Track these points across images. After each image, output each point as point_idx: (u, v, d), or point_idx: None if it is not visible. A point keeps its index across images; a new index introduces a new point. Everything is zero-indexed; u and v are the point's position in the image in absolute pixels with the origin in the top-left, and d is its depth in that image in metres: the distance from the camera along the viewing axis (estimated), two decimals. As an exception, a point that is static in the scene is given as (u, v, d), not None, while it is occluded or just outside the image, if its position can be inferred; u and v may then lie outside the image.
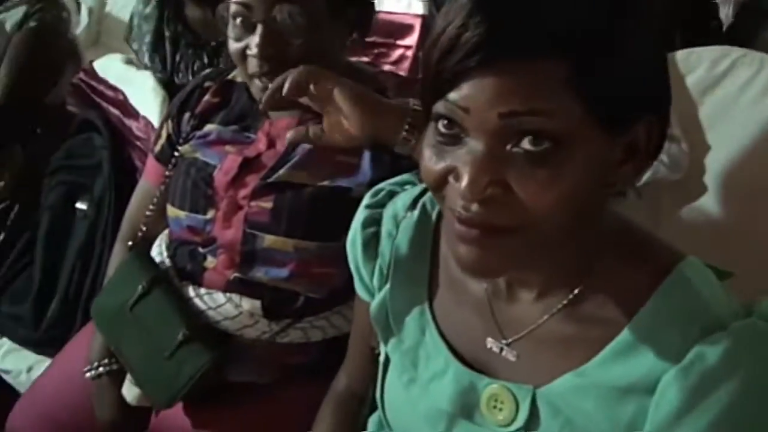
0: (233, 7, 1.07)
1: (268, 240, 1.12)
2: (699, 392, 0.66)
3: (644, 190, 1.18)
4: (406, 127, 0.92)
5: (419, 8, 2.05)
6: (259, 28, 1.06)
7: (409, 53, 2.04)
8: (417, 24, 2.04)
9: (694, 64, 1.49)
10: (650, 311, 0.69)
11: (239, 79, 1.24)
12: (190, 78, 1.85)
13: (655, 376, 0.68)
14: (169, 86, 1.78)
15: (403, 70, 2.06)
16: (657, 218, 1.38)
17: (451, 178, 0.65)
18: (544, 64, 0.59)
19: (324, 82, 0.94)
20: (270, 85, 0.97)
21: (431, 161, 0.66)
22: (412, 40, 2.05)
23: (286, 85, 0.94)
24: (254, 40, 1.06)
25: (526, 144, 0.61)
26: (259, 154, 1.16)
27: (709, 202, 1.40)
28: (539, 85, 0.59)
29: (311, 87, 0.94)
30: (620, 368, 0.70)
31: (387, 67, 2.09)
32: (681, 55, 1.52)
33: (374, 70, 1.28)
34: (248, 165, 1.16)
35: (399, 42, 2.07)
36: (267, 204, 1.12)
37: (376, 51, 2.11)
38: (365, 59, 2.12)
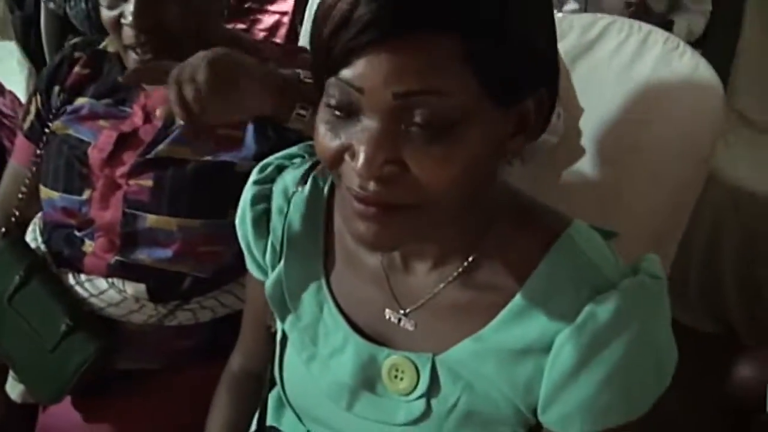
0: None
1: (150, 220, 1.07)
2: (592, 349, 0.69)
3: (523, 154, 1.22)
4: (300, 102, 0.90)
5: (295, -28, 2.01)
6: None
7: (285, 20, 2.00)
8: (294, -12, 2.00)
9: (566, 31, 1.53)
10: (542, 275, 0.72)
11: (111, 49, 1.18)
12: (83, 6, 1.81)
13: (549, 336, 0.70)
14: (60, 20, 1.84)
15: (279, 37, 2.02)
16: (536, 181, 1.42)
17: (347, 156, 0.63)
18: (437, 41, 0.58)
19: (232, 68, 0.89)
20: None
21: (326, 138, 0.64)
22: (287, 5, 2.01)
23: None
24: (128, 8, 1.00)
25: (420, 121, 0.60)
26: (136, 129, 1.11)
27: (584, 163, 1.46)
28: (433, 63, 0.58)
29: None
30: (516, 331, 0.72)
31: (261, 35, 2.05)
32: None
33: (256, 41, 1.24)
34: (125, 141, 1.10)
35: (273, 8, 2.03)
36: (147, 182, 1.07)
37: (250, 17, 2.06)
38: (240, 26, 2.06)
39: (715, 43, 2.00)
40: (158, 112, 0.93)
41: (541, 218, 0.76)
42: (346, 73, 0.60)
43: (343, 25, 0.59)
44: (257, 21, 2.03)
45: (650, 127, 1.41)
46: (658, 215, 1.36)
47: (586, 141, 1.45)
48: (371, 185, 0.62)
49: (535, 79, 0.66)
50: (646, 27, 1.49)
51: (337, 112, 0.63)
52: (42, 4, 2.01)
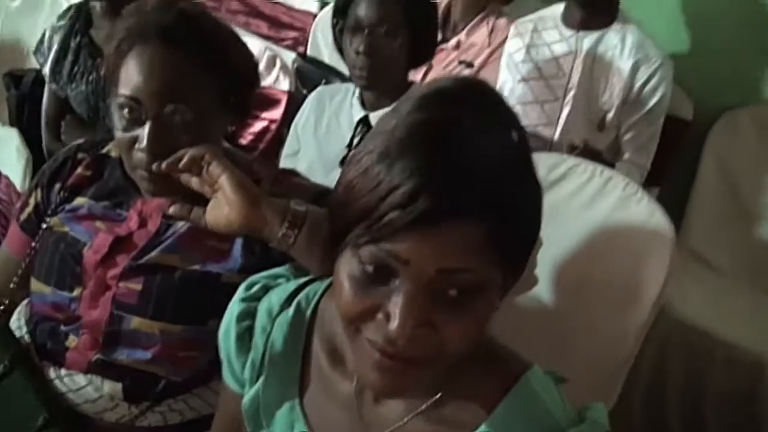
0: (121, 99, 1.07)
1: (135, 322, 1.11)
2: None
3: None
4: (287, 224, 0.95)
5: (286, 84, 2.12)
6: (149, 125, 1.06)
7: (273, 127, 2.10)
8: (284, 99, 2.11)
9: (534, 168, 1.65)
10: (500, 415, 0.79)
11: (113, 154, 1.24)
12: (83, 88, 1.97)
13: None
14: (60, 101, 2.04)
15: (264, 142, 2.12)
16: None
17: (379, 315, 0.70)
18: (475, 226, 0.66)
19: (216, 165, 0.97)
20: (163, 164, 1.00)
21: (355, 297, 0.71)
22: (277, 113, 2.11)
23: (186, 159, 0.98)
24: (143, 135, 1.06)
25: (452, 291, 0.68)
26: (131, 233, 1.16)
27: (541, 292, 1.55)
28: (471, 245, 0.67)
29: (204, 168, 0.97)
30: None
31: (249, 137, 2.15)
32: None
33: (250, 158, 1.32)
34: (119, 244, 1.15)
35: (264, 115, 2.13)
36: (136, 286, 1.12)
37: (240, 121, 2.15)
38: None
39: (673, 183, 2.14)
40: (171, 209, 1.00)
41: (504, 361, 0.83)
42: (390, 246, 0.67)
43: (401, 207, 0.65)
44: (247, 125, 2.13)
45: (604, 265, 1.51)
46: (607, 349, 1.44)
47: (545, 272, 1.55)
48: (399, 343, 0.69)
49: (534, 244, 0.75)
50: (608, 172, 1.61)
51: (370, 275, 0.69)
52: (46, 85, 2.14)
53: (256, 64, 1.20)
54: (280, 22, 2.86)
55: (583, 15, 1.82)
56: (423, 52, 1.72)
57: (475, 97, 0.72)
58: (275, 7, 2.86)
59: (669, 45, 2.09)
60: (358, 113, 1.67)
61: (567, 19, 1.87)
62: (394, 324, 0.68)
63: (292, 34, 2.75)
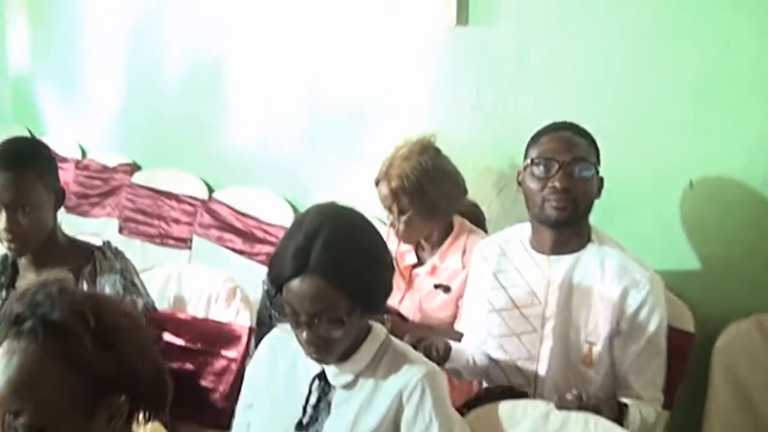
0: None
1: None
2: None
3: None
4: None
5: (247, 319, 1.97)
6: None
7: (234, 366, 1.93)
8: (244, 335, 1.94)
9: (519, 418, 1.44)
10: None
11: None
12: None
13: None
14: None
15: (225, 383, 1.93)
16: None
17: None
18: None
19: None
20: None
21: None
22: (238, 351, 1.95)
23: None
24: None
25: None
26: None
27: None
28: None
29: None
30: None
31: (209, 378, 1.97)
32: (504, 408, 1.46)
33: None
34: None
35: (224, 353, 1.96)
36: None
37: (200, 359, 1.99)
38: (189, 366, 1.98)
39: (684, 404, 1.93)
40: None
41: None
42: None
43: None
44: (207, 363, 1.95)
45: None
46: None
47: None
48: None
49: None
50: (603, 423, 1.40)
51: None
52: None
53: (161, 379, 1.03)
54: (254, 237, 2.79)
55: (554, 238, 1.64)
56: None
57: None
58: (248, 222, 2.80)
59: (664, 257, 1.95)
60: (315, 367, 1.45)
61: (535, 243, 1.68)
62: None
63: (266, 248, 2.65)
